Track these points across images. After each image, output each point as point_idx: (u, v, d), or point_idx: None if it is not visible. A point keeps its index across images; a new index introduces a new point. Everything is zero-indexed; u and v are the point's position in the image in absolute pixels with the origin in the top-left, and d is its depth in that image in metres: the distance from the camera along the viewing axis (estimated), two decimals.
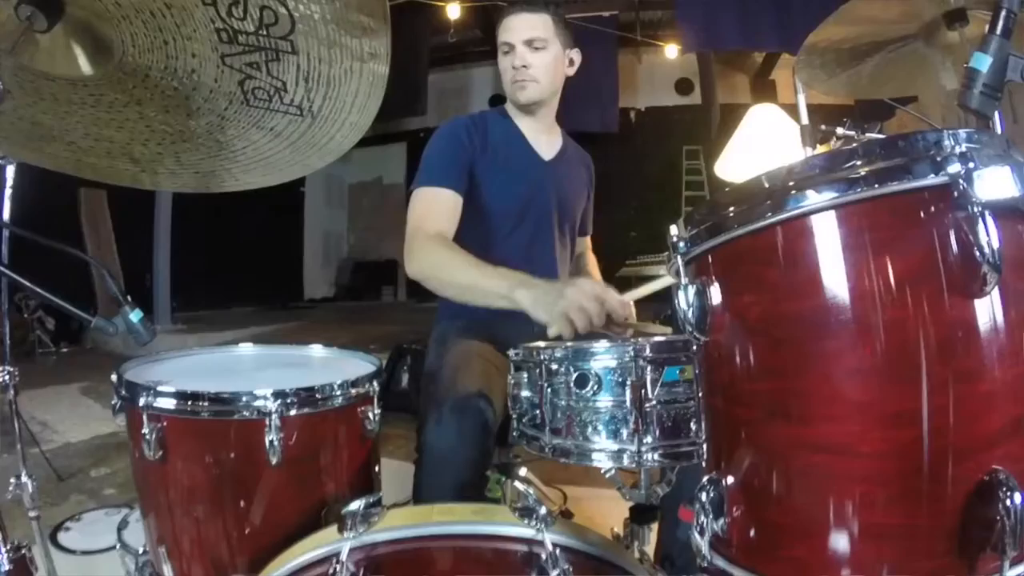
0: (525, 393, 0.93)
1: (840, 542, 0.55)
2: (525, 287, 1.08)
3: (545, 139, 1.53)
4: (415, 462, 1.10)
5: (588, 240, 1.75)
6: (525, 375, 0.93)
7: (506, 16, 1.42)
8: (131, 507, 1.26)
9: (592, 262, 1.73)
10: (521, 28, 1.40)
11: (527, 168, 1.48)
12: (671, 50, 7.08)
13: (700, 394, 0.70)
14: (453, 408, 1.09)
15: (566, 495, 2.05)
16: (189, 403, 0.91)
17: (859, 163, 0.55)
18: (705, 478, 0.64)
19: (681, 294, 0.64)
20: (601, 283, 1.03)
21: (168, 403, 0.91)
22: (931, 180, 0.53)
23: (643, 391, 0.81)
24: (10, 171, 1.24)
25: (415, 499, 1.09)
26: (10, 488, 1.20)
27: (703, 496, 0.62)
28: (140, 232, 5.66)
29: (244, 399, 0.91)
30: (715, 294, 0.62)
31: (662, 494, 0.96)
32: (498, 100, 1.60)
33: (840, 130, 1.58)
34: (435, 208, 1.33)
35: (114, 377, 0.99)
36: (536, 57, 1.40)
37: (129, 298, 0.84)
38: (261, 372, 1.20)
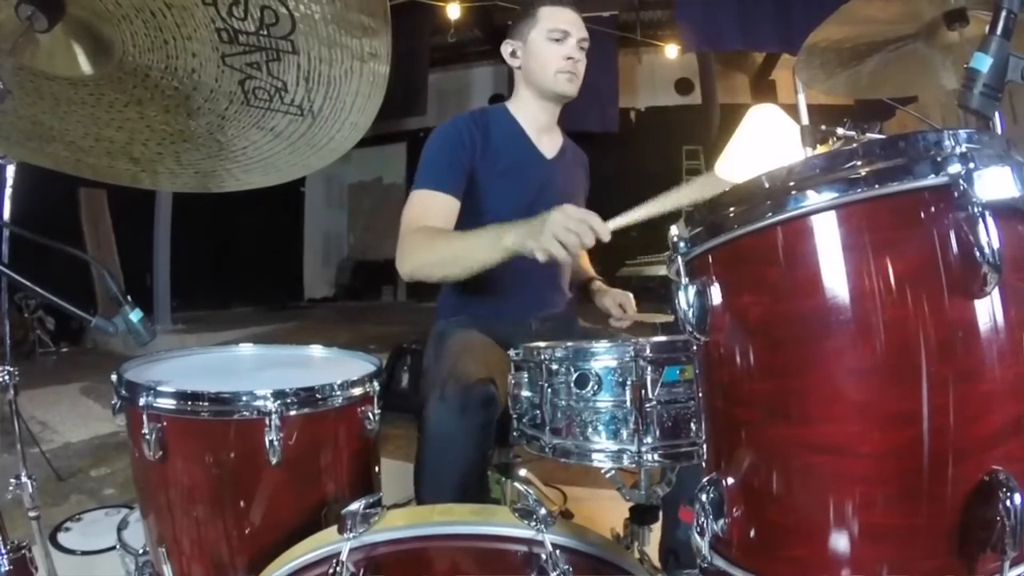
0: (525, 393, 0.93)
1: (840, 542, 0.55)
2: (511, 229, 1.11)
3: (547, 138, 1.52)
4: (417, 443, 1.08)
5: None
6: (525, 375, 0.93)
7: (555, 5, 1.42)
8: (131, 507, 1.27)
9: (584, 257, 1.73)
10: (578, 24, 1.42)
11: (530, 167, 1.47)
12: (671, 50, 7.09)
13: (700, 394, 0.70)
14: (455, 384, 1.07)
15: (566, 495, 2.05)
16: (189, 403, 0.92)
17: (859, 163, 0.55)
18: (705, 478, 0.64)
19: (681, 294, 0.64)
20: (585, 210, 1.05)
21: (168, 403, 0.91)
22: (931, 180, 0.53)
23: (643, 391, 0.81)
24: (10, 171, 1.24)
25: (416, 485, 1.08)
26: (10, 488, 1.20)
27: (703, 496, 0.62)
28: (140, 232, 5.66)
29: (244, 399, 0.91)
30: (715, 294, 0.62)
31: (662, 494, 0.96)
32: (498, 100, 1.59)
33: (840, 130, 1.57)
34: (430, 211, 1.32)
35: (114, 377, 0.99)
36: (582, 56, 1.43)
37: (129, 298, 0.84)
38: (261, 372, 1.20)
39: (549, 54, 1.40)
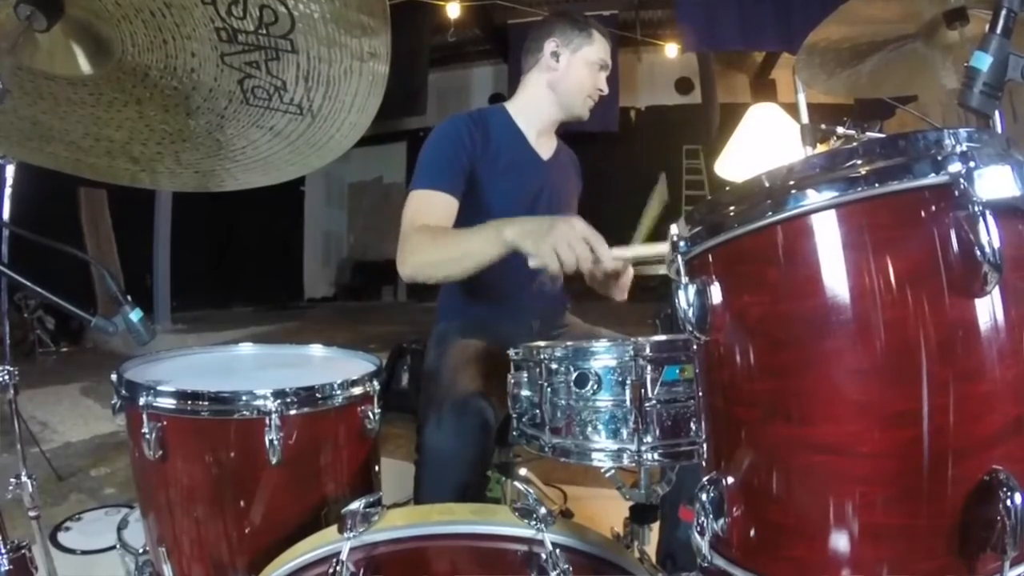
0: (525, 392, 0.93)
1: (840, 542, 0.55)
2: (512, 224, 1.08)
3: (544, 140, 1.53)
4: (415, 463, 1.11)
5: None
6: (525, 374, 0.93)
7: (604, 37, 1.46)
8: (131, 507, 1.27)
9: None
10: (610, 63, 1.47)
11: (529, 168, 1.48)
12: (671, 49, 7.09)
13: (700, 393, 0.69)
14: (452, 409, 1.09)
15: (566, 495, 2.05)
16: (189, 402, 0.92)
17: (859, 162, 0.54)
18: (705, 478, 0.64)
19: (681, 293, 0.63)
20: (593, 230, 1.00)
21: (168, 402, 0.91)
22: (932, 179, 0.53)
23: (643, 390, 0.81)
24: (10, 171, 1.24)
25: (416, 500, 1.09)
26: (10, 488, 1.19)
27: (703, 496, 0.62)
28: (140, 232, 5.66)
29: (244, 398, 0.91)
30: (715, 293, 0.62)
31: (662, 494, 0.96)
32: (498, 100, 1.60)
33: (840, 129, 1.57)
34: (428, 211, 1.31)
35: (114, 376, 0.99)
36: None
37: (129, 298, 0.84)
38: (261, 372, 1.20)
39: (589, 78, 1.44)
